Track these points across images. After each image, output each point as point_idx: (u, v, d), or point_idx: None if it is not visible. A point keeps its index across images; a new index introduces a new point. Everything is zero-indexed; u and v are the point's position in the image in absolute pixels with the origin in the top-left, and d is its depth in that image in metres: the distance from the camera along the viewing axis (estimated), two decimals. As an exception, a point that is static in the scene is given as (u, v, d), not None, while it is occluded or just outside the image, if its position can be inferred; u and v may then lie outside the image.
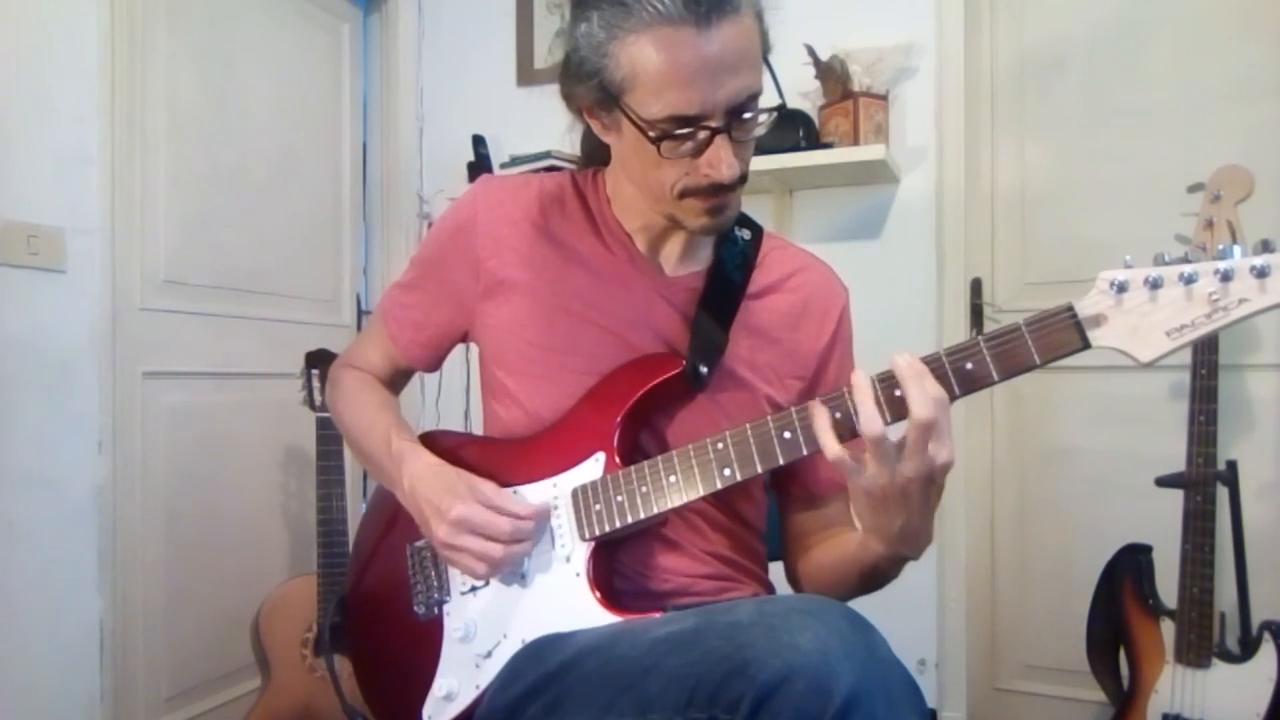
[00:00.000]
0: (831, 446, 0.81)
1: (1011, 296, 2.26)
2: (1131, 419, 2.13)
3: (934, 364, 0.81)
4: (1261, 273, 0.72)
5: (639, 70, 0.84)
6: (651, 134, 0.86)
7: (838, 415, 0.83)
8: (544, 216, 1.05)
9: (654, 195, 0.94)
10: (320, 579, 1.94)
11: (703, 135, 0.87)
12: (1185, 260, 0.76)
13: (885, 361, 0.84)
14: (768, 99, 0.89)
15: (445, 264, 1.08)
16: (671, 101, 0.84)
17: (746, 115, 0.87)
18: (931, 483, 0.81)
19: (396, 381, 1.19)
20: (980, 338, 0.81)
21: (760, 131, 0.90)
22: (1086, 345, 0.78)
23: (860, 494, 0.83)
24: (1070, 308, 0.78)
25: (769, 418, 0.87)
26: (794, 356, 1.04)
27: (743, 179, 0.91)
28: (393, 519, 1.08)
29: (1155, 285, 0.76)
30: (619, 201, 1.05)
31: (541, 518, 0.95)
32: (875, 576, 0.94)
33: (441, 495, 0.94)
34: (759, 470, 0.88)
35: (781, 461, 0.87)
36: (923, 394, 0.77)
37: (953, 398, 0.81)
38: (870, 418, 0.78)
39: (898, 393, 0.79)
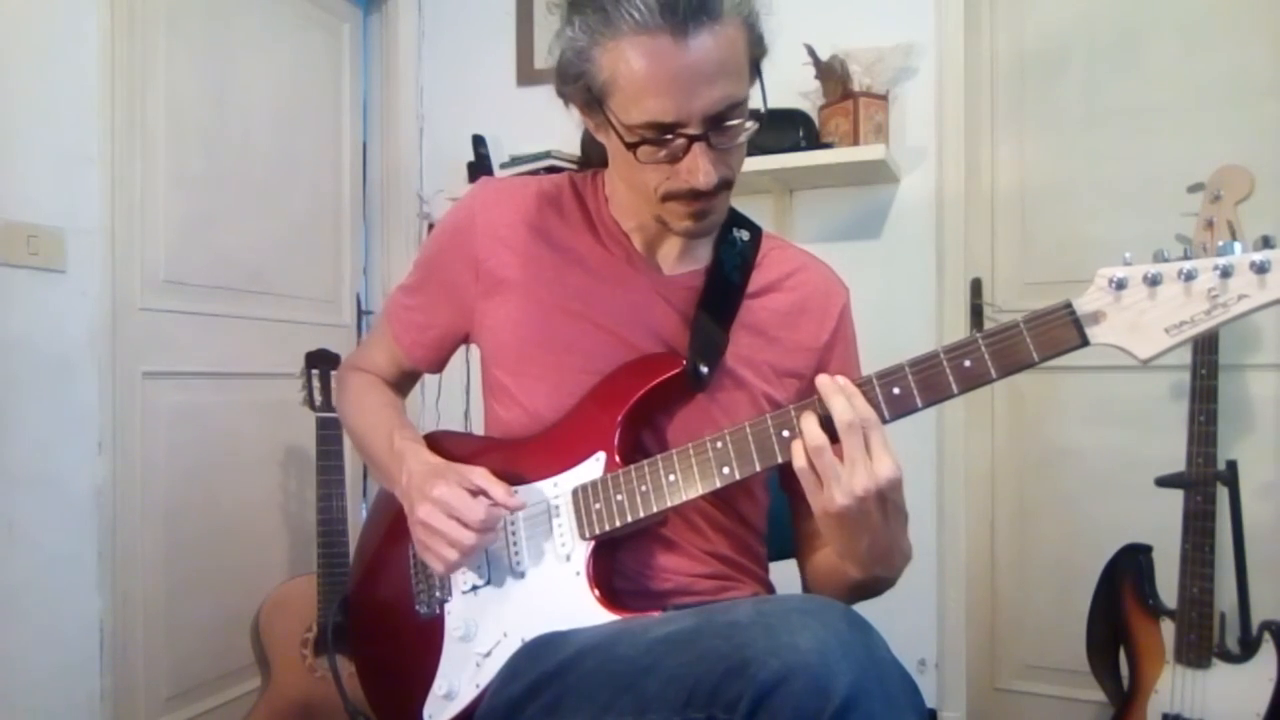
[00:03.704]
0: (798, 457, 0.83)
1: (1011, 296, 2.26)
2: (1131, 419, 2.13)
3: (932, 362, 0.82)
4: (1261, 268, 0.72)
5: (618, 77, 0.85)
6: (629, 139, 0.87)
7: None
8: (541, 217, 1.05)
9: (641, 196, 0.95)
10: (320, 579, 1.94)
11: (679, 143, 0.87)
12: (1185, 257, 0.75)
13: (884, 361, 0.85)
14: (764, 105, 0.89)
15: (445, 266, 1.08)
16: (648, 109, 0.85)
17: (728, 124, 0.87)
18: (884, 500, 0.82)
19: (403, 383, 1.21)
20: (978, 335, 0.81)
21: (743, 139, 0.91)
22: (1085, 342, 0.78)
23: (822, 515, 0.85)
24: (1068, 305, 0.78)
25: (768, 416, 0.88)
26: (792, 355, 1.04)
27: (726, 185, 0.92)
28: (396, 519, 1.08)
29: (1154, 282, 0.76)
30: (616, 201, 1.05)
31: (536, 512, 0.95)
32: (862, 592, 0.97)
33: (428, 479, 0.95)
34: (758, 469, 0.88)
35: (780, 460, 0.87)
36: (845, 401, 0.81)
37: (951, 396, 0.82)
38: (809, 430, 0.82)
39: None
